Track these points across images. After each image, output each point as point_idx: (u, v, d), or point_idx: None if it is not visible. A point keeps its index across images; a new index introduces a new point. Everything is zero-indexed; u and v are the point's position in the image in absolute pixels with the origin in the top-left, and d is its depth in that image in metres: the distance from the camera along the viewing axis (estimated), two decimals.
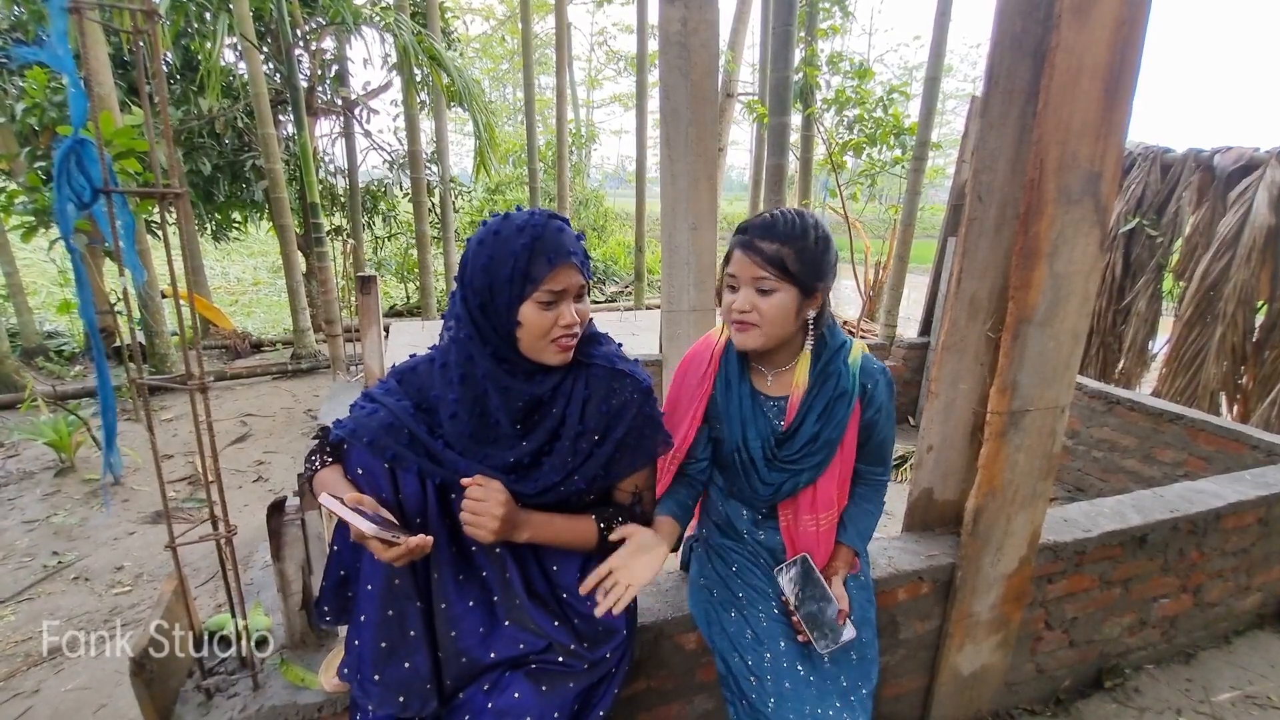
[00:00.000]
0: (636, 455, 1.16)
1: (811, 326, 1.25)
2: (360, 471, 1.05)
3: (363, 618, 1.03)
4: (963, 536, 1.65)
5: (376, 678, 1.02)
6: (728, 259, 1.20)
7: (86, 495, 3.44)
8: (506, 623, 1.09)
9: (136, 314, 5.08)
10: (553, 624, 1.10)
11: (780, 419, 1.30)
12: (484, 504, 1.01)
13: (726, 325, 1.26)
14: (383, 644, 1.02)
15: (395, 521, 0.98)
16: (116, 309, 4.77)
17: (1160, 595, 2.10)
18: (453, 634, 1.06)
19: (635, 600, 1.25)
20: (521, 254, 0.97)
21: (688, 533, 1.56)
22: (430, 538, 0.95)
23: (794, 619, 1.28)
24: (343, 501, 0.93)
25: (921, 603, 1.70)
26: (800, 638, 1.26)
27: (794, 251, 1.14)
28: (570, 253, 1.00)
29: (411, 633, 1.03)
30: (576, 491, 1.12)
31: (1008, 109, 1.43)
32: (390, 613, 1.02)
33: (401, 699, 1.02)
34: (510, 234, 0.99)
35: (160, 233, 6.13)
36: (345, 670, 1.07)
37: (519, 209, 1.03)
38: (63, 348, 5.85)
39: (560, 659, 1.09)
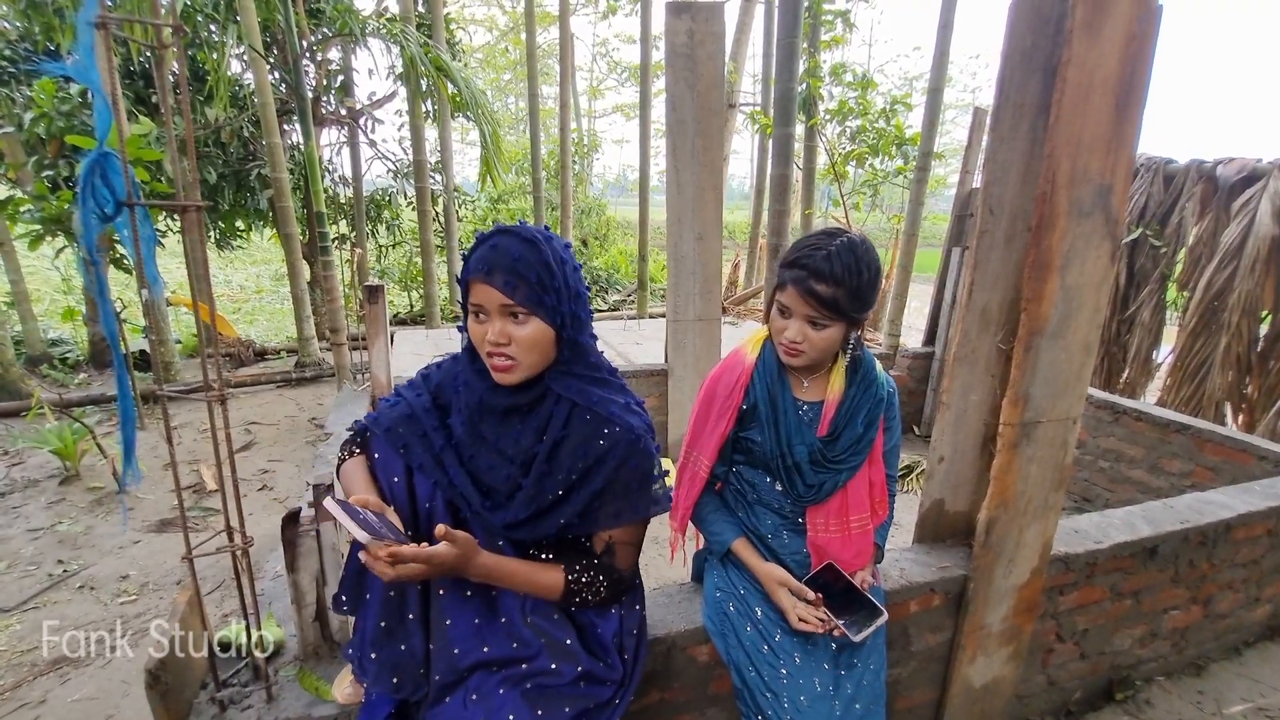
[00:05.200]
0: (620, 511, 1.10)
1: (852, 346, 1.32)
2: (377, 457, 1.11)
3: (368, 596, 1.08)
4: (975, 548, 1.65)
5: (374, 655, 1.07)
6: (781, 285, 1.24)
7: (92, 504, 3.43)
8: (503, 619, 1.10)
9: (144, 322, 5.09)
10: (547, 620, 1.11)
11: (815, 423, 1.34)
12: (410, 566, 0.93)
13: (774, 344, 1.32)
14: (382, 623, 1.07)
15: (399, 527, 1.00)
16: (122, 316, 4.78)
17: (1171, 607, 2.09)
18: (447, 622, 1.07)
19: (642, 627, 1.24)
20: (467, 259, 1.02)
21: (699, 545, 1.56)
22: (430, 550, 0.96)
23: (822, 617, 1.26)
24: (342, 506, 0.91)
25: (933, 614, 1.70)
26: (836, 632, 1.24)
27: (847, 292, 1.18)
28: (490, 270, 0.98)
29: (410, 615, 1.07)
30: (549, 535, 1.09)
31: (1018, 122, 1.44)
32: (392, 593, 1.07)
33: (395, 679, 1.06)
34: (477, 240, 1.04)
35: (165, 241, 6.15)
36: (349, 650, 1.11)
37: (521, 221, 1.07)
38: (67, 355, 5.85)
39: (553, 665, 1.08)
